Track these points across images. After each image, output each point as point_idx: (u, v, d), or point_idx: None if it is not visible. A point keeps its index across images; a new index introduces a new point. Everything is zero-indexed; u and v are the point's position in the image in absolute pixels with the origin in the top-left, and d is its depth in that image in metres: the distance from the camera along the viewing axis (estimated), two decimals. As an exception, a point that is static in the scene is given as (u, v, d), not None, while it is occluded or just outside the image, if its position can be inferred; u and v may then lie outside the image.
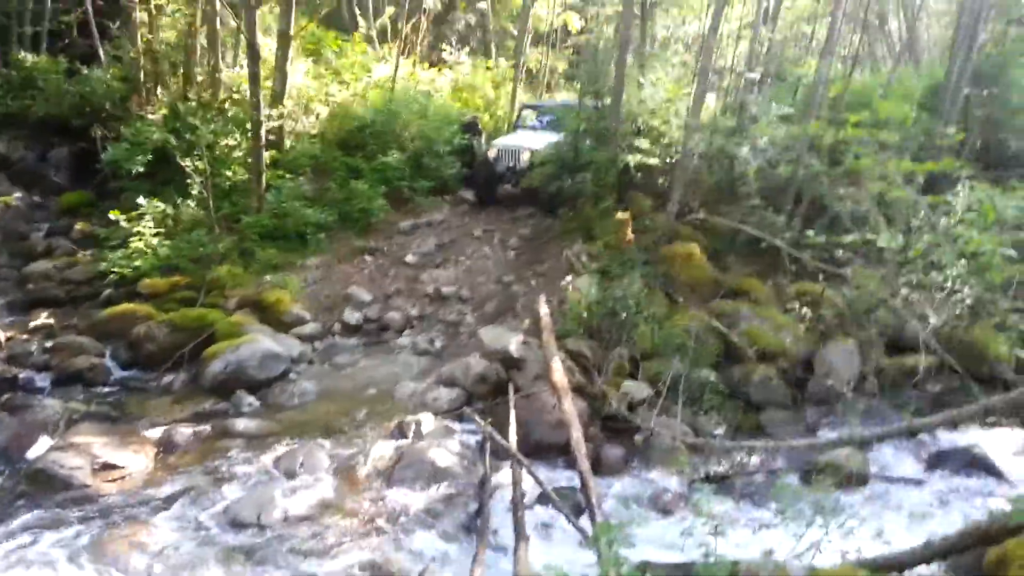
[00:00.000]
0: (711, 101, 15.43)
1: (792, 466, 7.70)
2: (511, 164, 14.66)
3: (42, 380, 9.13)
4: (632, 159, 12.33)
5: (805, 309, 10.09)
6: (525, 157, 14.26)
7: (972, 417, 5.28)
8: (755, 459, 7.89)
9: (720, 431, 8.53)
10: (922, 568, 4.28)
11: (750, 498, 7.31)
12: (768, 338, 9.85)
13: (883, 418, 9.01)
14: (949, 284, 7.71)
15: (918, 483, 7.67)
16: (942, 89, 13.54)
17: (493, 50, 24.95)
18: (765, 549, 4.57)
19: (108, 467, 7.08)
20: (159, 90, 15.81)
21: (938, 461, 8.09)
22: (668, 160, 12.92)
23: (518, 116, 16.95)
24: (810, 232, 8.34)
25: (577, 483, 7.06)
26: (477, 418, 8.29)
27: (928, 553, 4.25)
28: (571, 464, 7.61)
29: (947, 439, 8.51)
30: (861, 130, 6.98)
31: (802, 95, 15.06)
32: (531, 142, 14.61)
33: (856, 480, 7.40)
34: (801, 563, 3.62)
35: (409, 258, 12.74)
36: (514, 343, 9.32)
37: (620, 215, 11.63)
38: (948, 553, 4.21)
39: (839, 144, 8.60)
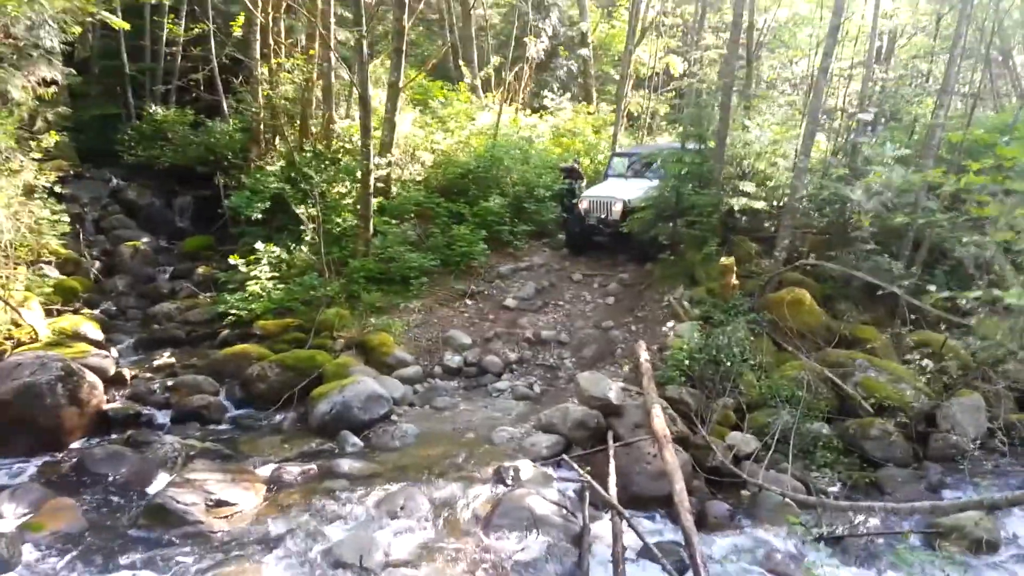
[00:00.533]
0: (821, 142, 15.00)
1: (914, 529, 7.19)
2: (603, 215, 14.18)
3: (162, 417, 9.67)
4: (737, 203, 12.09)
5: (926, 360, 9.52)
6: (617, 208, 13.86)
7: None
8: (873, 520, 7.42)
9: (834, 489, 8.08)
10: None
11: (868, 562, 6.83)
12: (886, 390, 9.32)
13: (1014, 478, 8.37)
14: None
15: (1059, 553, 7.00)
16: (1075, 127, 12.68)
17: (594, 95, 25.17)
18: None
19: (221, 504, 7.33)
20: (277, 141, 16.72)
21: (1082, 529, 7.37)
22: (775, 204, 12.59)
23: (608, 164, 16.52)
24: (931, 285, 7.87)
25: (679, 538, 6.83)
26: (576, 466, 8.17)
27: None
28: (672, 517, 7.39)
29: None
30: (984, 177, 6.59)
31: (919, 136, 14.44)
32: (623, 192, 14.20)
33: (986, 547, 6.83)
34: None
35: (509, 302, 12.84)
36: (614, 390, 9.17)
37: (724, 260, 11.37)
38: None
39: (963, 191, 8.16)
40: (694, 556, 6.07)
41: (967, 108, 15.52)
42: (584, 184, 16.19)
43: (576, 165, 16.96)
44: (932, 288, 7.70)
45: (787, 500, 7.47)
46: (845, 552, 7.01)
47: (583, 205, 14.47)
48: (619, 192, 14.22)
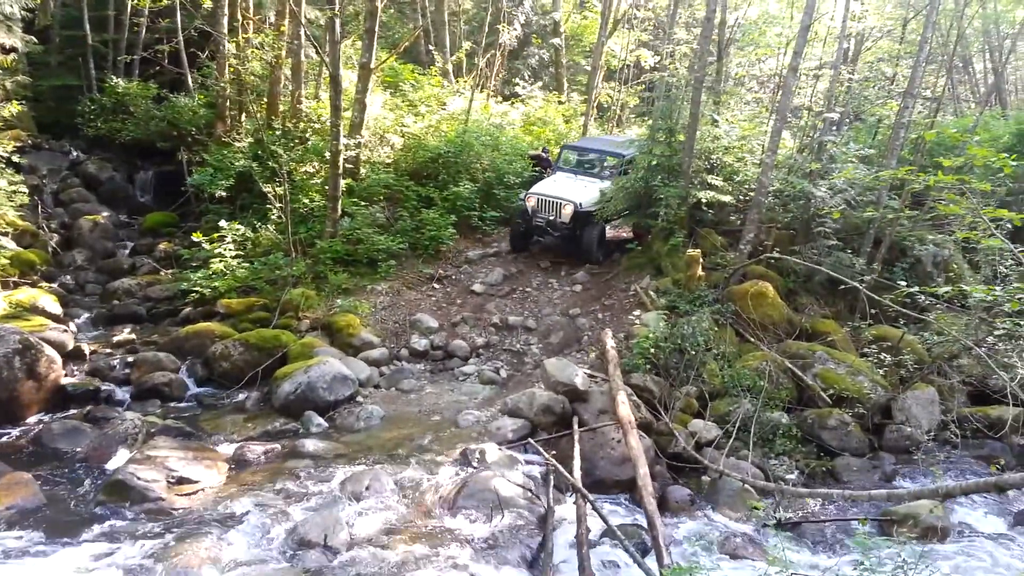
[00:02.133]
0: (787, 140, 15.22)
1: (867, 516, 7.39)
2: (552, 217, 13.21)
3: (122, 393, 9.53)
4: (704, 195, 12.23)
5: (884, 354, 9.77)
6: (568, 211, 13.01)
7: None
8: (829, 507, 7.62)
9: (792, 476, 8.28)
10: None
11: (823, 546, 7.05)
12: (844, 382, 9.57)
13: (964, 470, 8.68)
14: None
15: (1006, 541, 7.27)
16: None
17: (565, 84, 25.20)
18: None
19: (182, 481, 7.27)
20: (243, 118, 16.44)
21: (1026, 518, 7.68)
22: (741, 198, 12.76)
23: (558, 158, 15.39)
24: (901, 281, 8.07)
25: (642, 521, 6.95)
26: (541, 450, 8.25)
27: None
28: (635, 501, 7.53)
29: (1035, 495, 8.10)
30: (950, 176, 6.82)
31: (882, 136, 14.75)
32: (574, 193, 13.26)
33: (937, 534, 7.07)
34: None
35: (476, 287, 12.83)
36: (580, 376, 9.27)
37: (690, 252, 11.50)
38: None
39: (930, 189, 8.39)
40: (657, 538, 6.18)
41: (929, 111, 15.88)
42: (554, 171, 16.09)
43: (545, 153, 16.88)
44: (902, 283, 7.87)
45: (747, 486, 7.64)
46: (802, 537, 7.22)
47: (530, 203, 13.47)
48: (570, 193, 13.30)
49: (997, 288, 7.03)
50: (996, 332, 7.85)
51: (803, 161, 12.86)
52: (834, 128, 15.23)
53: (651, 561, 6.12)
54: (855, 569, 4.63)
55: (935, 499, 6.40)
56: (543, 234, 13.71)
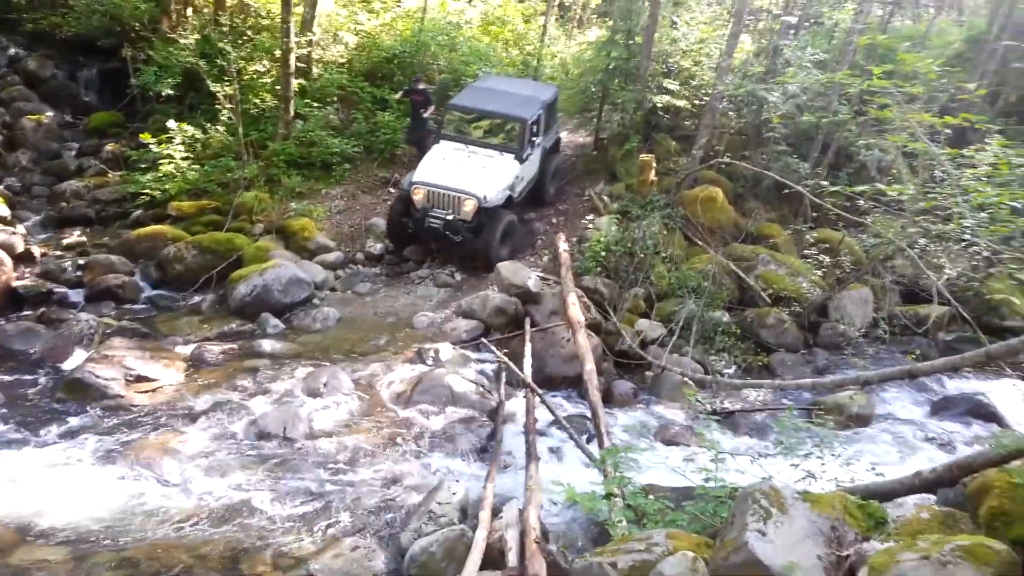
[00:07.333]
0: (746, 44, 15.17)
1: (798, 406, 7.91)
2: (448, 215, 10.43)
3: (75, 296, 9.50)
4: (660, 100, 12.27)
5: (823, 256, 10.17)
6: (469, 208, 10.35)
7: (974, 363, 5.37)
8: (761, 398, 8.13)
9: (730, 371, 8.76)
10: (911, 497, 4.49)
11: (753, 433, 7.58)
12: (784, 283, 10.00)
13: (891, 363, 9.24)
14: (967, 236, 7.72)
15: (921, 426, 7.90)
16: (981, 41, 13.28)
17: (525, -17, 24.49)
18: (763, 476, 4.80)
19: (141, 379, 7.42)
20: (189, 13, 15.79)
21: (942, 407, 8.34)
22: (696, 103, 12.83)
23: (442, 123, 11.88)
24: (840, 182, 8.37)
25: (587, 413, 7.34)
26: (494, 348, 8.56)
27: (916, 484, 4.45)
28: (583, 395, 7.92)
29: (953, 387, 8.75)
30: (886, 81, 7.01)
31: (837, 41, 14.80)
32: (476, 182, 10.48)
33: (860, 421, 7.65)
34: (795, 488, 3.83)
35: (432, 191, 12.80)
36: (532, 278, 9.53)
37: (643, 157, 11.62)
38: (935, 485, 4.41)
39: (867, 94, 8.59)
40: (599, 426, 6.57)
41: (884, 17, 15.89)
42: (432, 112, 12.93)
43: (421, 82, 13.34)
44: (836, 188, 8.21)
45: (686, 379, 8.09)
46: (736, 426, 7.72)
47: (418, 197, 10.51)
48: (470, 183, 10.49)
49: (911, 188, 7.35)
50: (924, 231, 8.25)
51: (758, 65, 12.91)
52: (791, 32, 15.20)
53: (593, 447, 6.53)
54: (776, 448, 5.03)
55: (855, 386, 6.89)
56: (438, 237, 10.74)
